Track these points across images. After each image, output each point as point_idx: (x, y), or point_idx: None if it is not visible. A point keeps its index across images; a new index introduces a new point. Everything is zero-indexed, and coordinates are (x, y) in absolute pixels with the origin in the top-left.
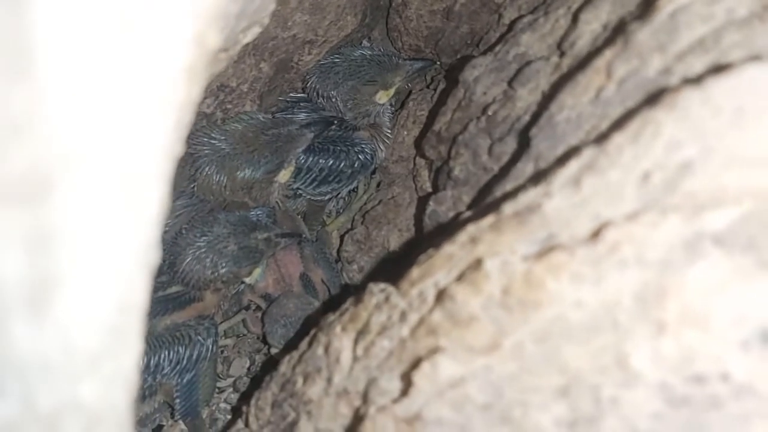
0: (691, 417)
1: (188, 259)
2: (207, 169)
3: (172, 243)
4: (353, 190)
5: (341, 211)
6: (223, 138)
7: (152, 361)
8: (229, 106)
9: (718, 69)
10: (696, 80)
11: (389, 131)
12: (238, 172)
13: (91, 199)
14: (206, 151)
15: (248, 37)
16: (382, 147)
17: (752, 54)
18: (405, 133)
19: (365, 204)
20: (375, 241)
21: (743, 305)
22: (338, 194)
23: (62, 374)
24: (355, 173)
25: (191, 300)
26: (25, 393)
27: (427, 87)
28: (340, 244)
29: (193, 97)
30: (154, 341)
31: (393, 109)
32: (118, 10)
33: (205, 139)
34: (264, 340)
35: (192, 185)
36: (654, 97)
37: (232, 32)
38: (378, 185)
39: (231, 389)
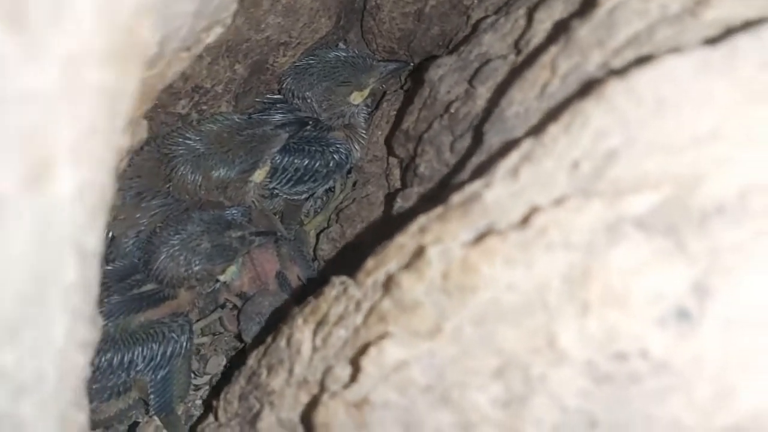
0: (614, 393)
1: (162, 257)
2: (182, 168)
3: (147, 242)
4: (330, 189)
5: (319, 210)
6: (198, 138)
7: (126, 358)
8: (204, 107)
9: (641, 61)
10: (621, 72)
11: (364, 131)
12: (213, 172)
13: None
14: (181, 151)
15: (211, 37)
16: (357, 147)
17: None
18: (379, 133)
19: (341, 203)
20: (349, 240)
21: (661, 285)
22: (314, 194)
23: None
24: (331, 173)
25: (165, 298)
26: None
27: (401, 88)
28: (317, 243)
29: (125, 86)
30: (127, 338)
31: (368, 109)
32: None
33: (180, 140)
34: (240, 338)
35: (167, 185)
36: (585, 89)
37: (191, 31)
38: (354, 184)
39: (207, 387)
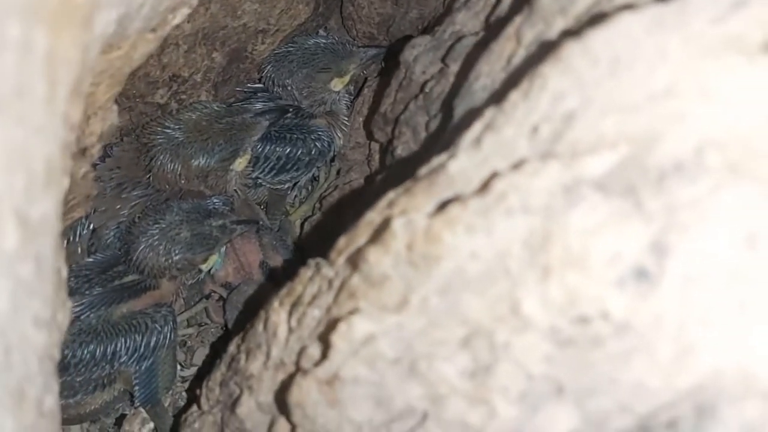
0: (578, 357)
1: (141, 247)
2: (161, 158)
3: (126, 232)
4: (315, 178)
5: (303, 200)
6: (177, 127)
7: (109, 350)
8: (183, 97)
9: (594, 19)
10: (576, 32)
11: (346, 118)
12: (193, 161)
13: None
14: (160, 140)
15: (177, 18)
16: (339, 134)
17: None
18: (361, 119)
19: (325, 191)
20: (333, 226)
21: (619, 245)
22: (298, 182)
23: None
24: (313, 161)
25: (147, 288)
26: None
27: (380, 73)
28: (301, 231)
29: (63, 51)
30: (110, 329)
31: (350, 96)
32: None
33: (159, 129)
34: (226, 328)
35: (148, 176)
36: (542, 53)
37: (154, 10)
38: (338, 172)
39: (194, 378)
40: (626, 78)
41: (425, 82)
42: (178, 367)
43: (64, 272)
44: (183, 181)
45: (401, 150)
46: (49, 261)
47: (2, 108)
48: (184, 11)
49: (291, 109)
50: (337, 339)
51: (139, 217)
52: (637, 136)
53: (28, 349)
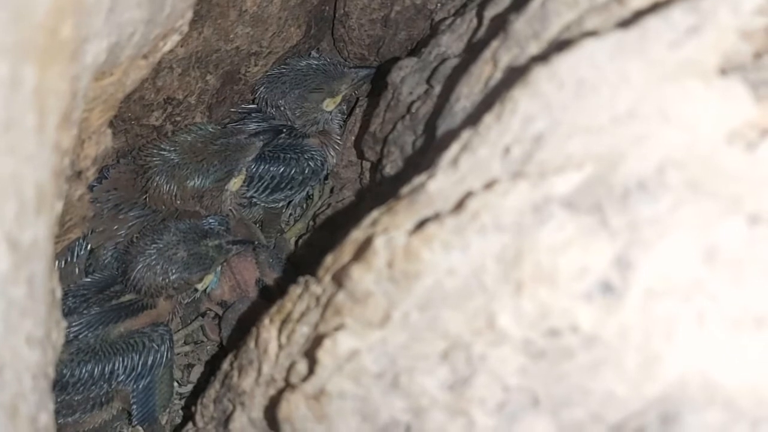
0: (551, 369)
1: (139, 267)
2: (157, 179)
3: (124, 252)
4: (309, 196)
5: (298, 218)
6: (172, 149)
7: (106, 369)
8: (178, 119)
9: (561, 45)
10: (544, 58)
11: (339, 137)
12: (188, 181)
13: None
14: (156, 162)
15: (168, 45)
16: (332, 153)
17: None
18: (353, 138)
19: (318, 209)
20: (325, 243)
21: (585, 260)
22: (292, 201)
23: None
24: (307, 180)
25: (144, 307)
26: None
27: (371, 93)
28: (295, 249)
29: (51, 83)
30: (107, 348)
31: (342, 116)
32: None
33: (155, 151)
34: (223, 346)
35: (144, 196)
36: (513, 77)
37: (145, 38)
38: (331, 190)
39: (191, 395)
40: (591, 101)
41: (412, 103)
42: (175, 384)
43: (59, 293)
44: (179, 202)
45: (390, 168)
46: (42, 282)
47: None
48: (175, 38)
49: (284, 129)
50: (323, 355)
51: (136, 237)
52: (602, 156)
53: (21, 367)
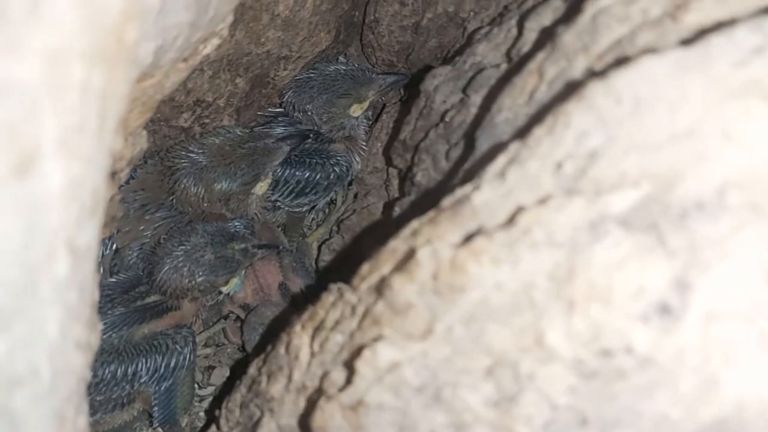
0: (602, 389)
1: (166, 268)
2: (185, 181)
3: (151, 253)
4: (331, 201)
5: (320, 222)
6: (200, 151)
7: (129, 370)
8: (206, 121)
9: (620, 62)
10: (601, 73)
11: (364, 143)
12: (216, 184)
13: None
14: (184, 164)
15: (208, 49)
16: (357, 159)
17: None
18: (379, 144)
19: (342, 214)
20: (350, 249)
21: (642, 280)
22: (316, 206)
23: None
24: (331, 185)
25: (169, 309)
26: None
27: (400, 100)
28: (318, 254)
29: (114, 87)
30: (131, 349)
31: (368, 122)
32: None
33: (183, 153)
34: (244, 349)
35: (171, 198)
36: (567, 91)
37: (187, 42)
38: (355, 196)
39: (211, 398)
40: (649, 118)
41: (445, 112)
42: (196, 387)
43: (97, 295)
44: (205, 204)
45: (421, 177)
46: (90, 286)
47: (64, 146)
48: (215, 41)
49: (311, 134)
50: (362, 365)
51: (163, 238)
52: (659, 174)
53: (70, 371)
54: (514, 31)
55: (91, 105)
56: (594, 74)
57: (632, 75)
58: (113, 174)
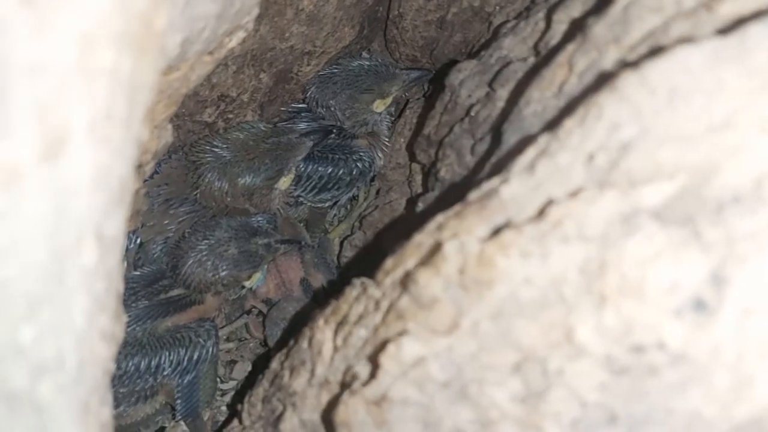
0: (633, 386)
1: (190, 262)
2: (209, 176)
3: (175, 247)
4: (354, 197)
5: (342, 218)
6: (224, 146)
7: (153, 362)
8: (230, 116)
9: (654, 52)
10: (634, 64)
11: (387, 139)
12: (239, 179)
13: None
14: (208, 159)
15: (233, 42)
16: (380, 155)
17: None
18: (402, 140)
19: (364, 210)
20: (372, 245)
21: (677, 275)
22: (338, 201)
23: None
24: (354, 180)
25: (192, 303)
26: None
27: (424, 96)
28: (340, 250)
29: (142, 75)
30: (155, 342)
31: (391, 117)
32: None
33: (207, 147)
34: (266, 344)
35: (195, 192)
36: (599, 82)
37: (214, 34)
38: (377, 192)
39: (233, 392)
40: (684, 109)
41: (471, 106)
42: (218, 381)
43: (122, 287)
44: (229, 199)
45: (445, 172)
46: (116, 276)
47: (93, 131)
48: (241, 35)
49: (334, 130)
50: (386, 360)
51: (187, 232)
52: (695, 166)
53: (95, 362)
54: (542, 25)
55: (119, 92)
56: (627, 65)
57: (667, 65)
58: (139, 166)
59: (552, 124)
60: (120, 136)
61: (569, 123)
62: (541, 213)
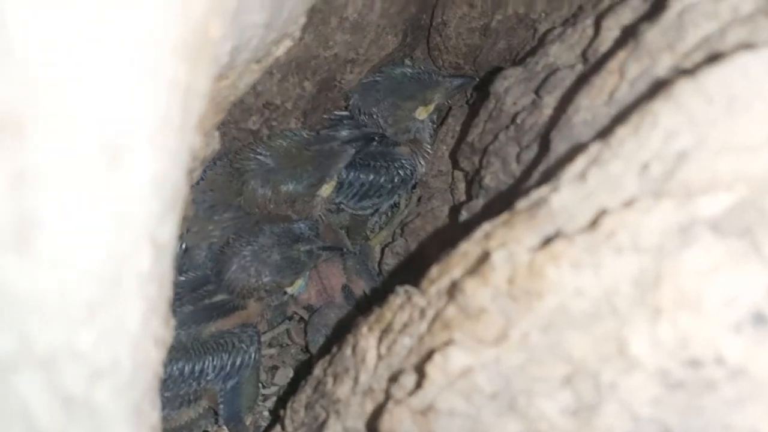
0: (689, 401)
1: (234, 268)
2: (253, 183)
3: (219, 252)
4: (395, 204)
5: (383, 225)
6: (268, 153)
7: (197, 367)
8: (274, 123)
9: (712, 58)
10: (690, 71)
11: (429, 146)
12: (282, 186)
13: (68, 147)
14: (252, 166)
15: (280, 50)
16: (422, 162)
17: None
18: (444, 147)
19: (406, 217)
20: (414, 253)
21: (736, 288)
22: (379, 209)
23: (58, 317)
24: (396, 188)
25: (235, 308)
26: (21, 330)
27: (467, 103)
28: (381, 257)
29: (197, 83)
30: (199, 347)
31: (433, 125)
32: None
33: (251, 155)
34: (307, 350)
35: (239, 199)
36: (653, 90)
37: (262, 42)
38: (419, 199)
39: (275, 398)
40: (743, 118)
41: (516, 114)
42: (260, 386)
43: (171, 291)
44: (272, 206)
45: (489, 180)
46: (167, 281)
47: (154, 137)
48: (287, 43)
49: (376, 137)
50: (433, 370)
51: (232, 238)
52: (754, 177)
53: (147, 366)
54: (590, 31)
55: (176, 100)
56: (682, 72)
57: (724, 72)
58: (189, 173)
59: (603, 133)
60: (175, 143)
61: (622, 131)
62: (594, 223)
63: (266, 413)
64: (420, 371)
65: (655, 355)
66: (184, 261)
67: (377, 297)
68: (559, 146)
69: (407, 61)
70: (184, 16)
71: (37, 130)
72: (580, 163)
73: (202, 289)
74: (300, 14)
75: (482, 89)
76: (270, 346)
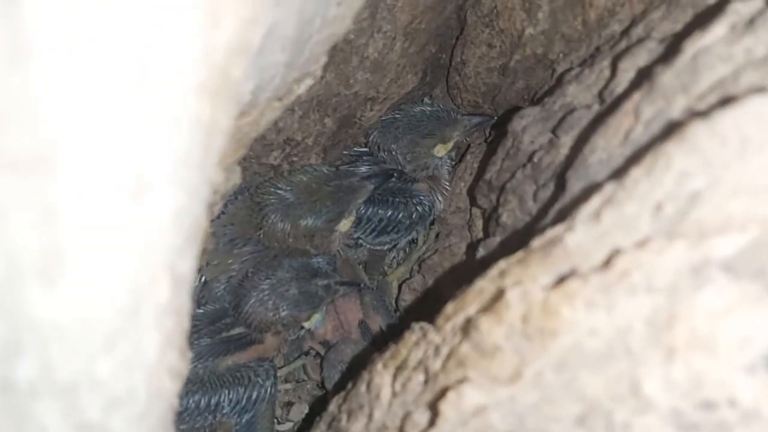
0: None
1: (252, 301)
2: (272, 217)
3: (238, 285)
4: (413, 240)
5: (401, 261)
6: (288, 188)
7: (213, 400)
8: (294, 159)
9: (725, 101)
10: (704, 113)
11: (447, 183)
12: (301, 221)
13: (95, 185)
14: (272, 201)
15: (302, 88)
16: (440, 198)
17: None
18: (462, 185)
19: (423, 254)
20: (431, 289)
21: (749, 329)
22: (397, 244)
23: (78, 347)
24: (414, 224)
25: (252, 342)
26: (42, 358)
27: (485, 141)
28: (399, 293)
29: (218, 121)
30: (215, 380)
31: (452, 162)
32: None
33: (272, 189)
34: (323, 386)
35: (258, 232)
36: (667, 132)
37: (283, 81)
38: (437, 236)
39: None
40: (756, 160)
41: (534, 152)
42: (275, 421)
43: (188, 324)
44: (291, 240)
45: (506, 217)
46: (185, 314)
47: (175, 174)
48: (308, 82)
49: (395, 174)
50: (447, 407)
51: (251, 271)
52: (767, 218)
53: (162, 397)
54: (607, 72)
55: (198, 137)
56: (696, 114)
57: (738, 115)
58: (209, 206)
59: (618, 173)
60: (196, 178)
61: (636, 172)
62: (607, 262)
63: None
64: (433, 408)
65: (668, 396)
66: (203, 294)
67: (393, 333)
68: (575, 185)
69: (426, 100)
70: (206, 56)
71: (66, 169)
72: (594, 202)
73: (219, 322)
74: (321, 54)
75: (500, 128)
76: (286, 381)
